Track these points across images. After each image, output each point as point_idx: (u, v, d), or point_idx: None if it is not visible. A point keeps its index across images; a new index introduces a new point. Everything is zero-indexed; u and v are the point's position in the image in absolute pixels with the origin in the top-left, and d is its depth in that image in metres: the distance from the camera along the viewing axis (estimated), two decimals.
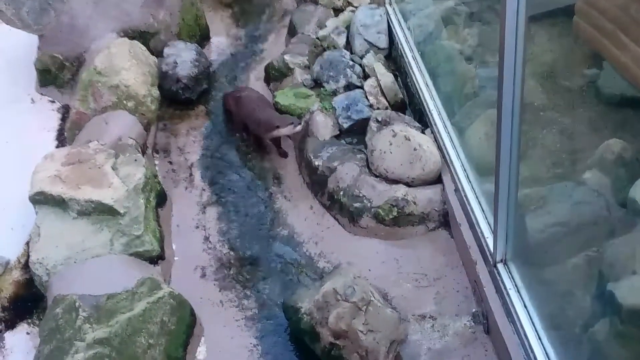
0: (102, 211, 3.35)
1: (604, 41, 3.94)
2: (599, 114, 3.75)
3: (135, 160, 3.62)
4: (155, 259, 3.35)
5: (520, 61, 2.30)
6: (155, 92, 4.20)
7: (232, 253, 3.51)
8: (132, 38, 4.42)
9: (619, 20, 3.77)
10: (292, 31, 4.83)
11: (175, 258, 3.50)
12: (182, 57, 4.46)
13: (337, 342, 2.90)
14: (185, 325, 3.08)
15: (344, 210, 3.55)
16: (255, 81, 4.62)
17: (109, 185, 3.43)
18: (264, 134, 3.97)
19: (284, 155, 4.03)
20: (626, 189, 2.76)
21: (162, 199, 3.72)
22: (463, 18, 4.36)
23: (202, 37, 4.97)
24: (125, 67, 4.11)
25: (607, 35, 3.90)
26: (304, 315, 3.00)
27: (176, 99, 4.43)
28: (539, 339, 2.59)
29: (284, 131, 3.88)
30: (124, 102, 4.00)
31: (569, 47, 4.24)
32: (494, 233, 2.87)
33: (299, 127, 3.86)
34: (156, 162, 4.04)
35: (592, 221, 2.92)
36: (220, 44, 5.02)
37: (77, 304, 2.94)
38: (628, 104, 3.70)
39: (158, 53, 4.51)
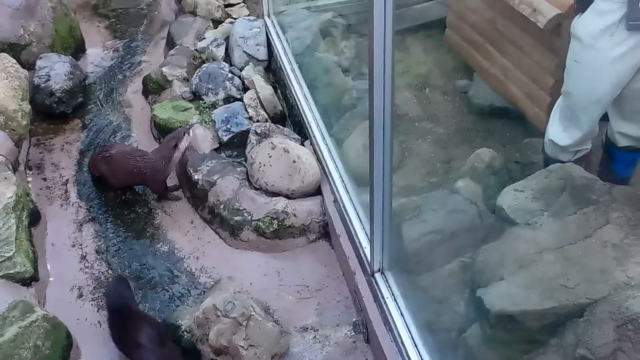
0: None
1: (473, 53, 4.09)
2: (470, 123, 3.90)
3: (5, 178, 3.48)
4: (28, 280, 3.21)
5: (389, 73, 2.33)
6: (27, 107, 4.04)
7: (110, 271, 3.41)
8: (1, 50, 4.25)
9: (487, 33, 3.92)
10: (170, 43, 4.77)
11: (51, 279, 3.37)
12: (56, 69, 4.33)
13: (218, 358, 2.88)
14: (61, 349, 2.97)
15: (225, 224, 3.53)
16: (132, 94, 4.53)
17: None
18: (166, 166, 3.67)
19: (177, 198, 3.83)
20: (496, 196, 2.86)
21: (35, 217, 3.58)
22: (340, 30, 4.44)
23: (77, 49, 4.84)
24: None
25: (476, 48, 4.05)
26: (185, 333, 2.96)
27: (50, 113, 4.29)
28: (415, 345, 2.65)
29: (184, 144, 3.67)
30: None
31: (443, 58, 4.38)
32: (371, 243, 2.92)
33: (192, 132, 3.72)
34: (29, 179, 3.88)
35: (465, 228, 3.01)
36: (96, 55, 4.90)
37: None
38: (497, 113, 3.86)
39: (30, 66, 4.37)
